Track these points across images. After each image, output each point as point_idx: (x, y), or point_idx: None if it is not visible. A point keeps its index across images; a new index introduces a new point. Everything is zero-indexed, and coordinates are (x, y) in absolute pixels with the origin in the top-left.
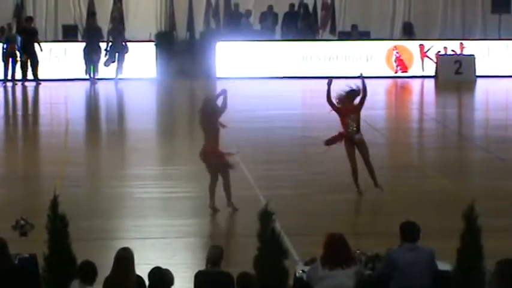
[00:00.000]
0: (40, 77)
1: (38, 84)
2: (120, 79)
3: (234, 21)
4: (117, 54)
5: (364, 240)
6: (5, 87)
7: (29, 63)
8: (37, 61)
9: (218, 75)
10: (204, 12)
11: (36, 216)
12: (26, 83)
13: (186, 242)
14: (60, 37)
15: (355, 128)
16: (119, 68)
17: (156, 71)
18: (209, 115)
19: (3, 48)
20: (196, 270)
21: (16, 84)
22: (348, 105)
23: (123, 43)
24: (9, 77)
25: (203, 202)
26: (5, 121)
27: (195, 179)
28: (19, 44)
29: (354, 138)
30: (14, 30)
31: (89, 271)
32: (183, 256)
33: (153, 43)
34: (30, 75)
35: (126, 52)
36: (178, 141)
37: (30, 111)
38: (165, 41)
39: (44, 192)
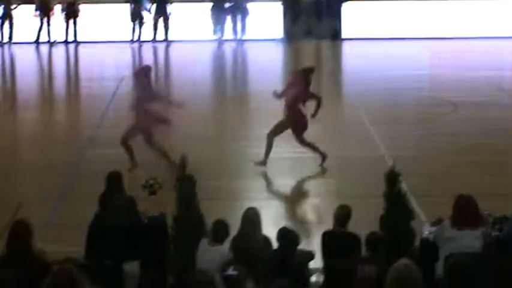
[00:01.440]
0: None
1: (168, 45)
2: (244, 40)
3: None
4: (239, 15)
5: (492, 202)
6: (132, 48)
7: (160, 24)
8: (168, 22)
9: (345, 36)
10: None
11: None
12: (155, 44)
13: (312, 201)
14: None
15: None
16: (243, 29)
17: (283, 31)
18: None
19: (130, 8)
20: (322, 230)
21: (141, 45)
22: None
23: (245, 4)
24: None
25: (331, 163)
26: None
27: (324, 140)
28: (145, 5)
29: None
30: None
31: (220, 230)
32: (312, 216)
33: (280, 3)
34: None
35: (247, 14)
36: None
37: (161, 72)
38: (292, 1)
39: (172, 153)
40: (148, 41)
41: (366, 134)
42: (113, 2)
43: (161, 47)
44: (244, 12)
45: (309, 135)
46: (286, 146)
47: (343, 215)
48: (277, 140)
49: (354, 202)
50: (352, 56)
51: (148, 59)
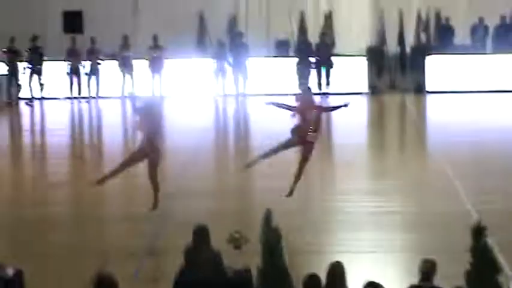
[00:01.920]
0: (248, 91)
1: (243, 98)
2: (329, 93)
3: (444, 35)
4: (324, 69)
5: None
6: (216, 101)
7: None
8: (247, 77)
9: (429, 89)
10: (414, 27)
11: (250, 229)
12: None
13: (397, 256)
14: (272, 52)
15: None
16: (327, 82)
17: (368, 85)
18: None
19: (214, 64)
20: (408, 285)
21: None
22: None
23: (329, 58)
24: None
25: (415, 217)
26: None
27: (407, 194)
28: (228, 60)
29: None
30: (225, 46)
31: (312, 285)
32: (394, 270)
33: (364, 57)
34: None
35: (332, 68)
36: (390, 155)
37: (241, 125)
38: (376, 55)
39: (256, 206)
40: (231, 95)
41: (451, 187)
42: (197, 57)
43: (241, 100)
44: (329, 66)
45: (392, 191)
46: (368, 201)
47: (427, 268)
48: (360, 195)
49: (438, 257)
50: (436, 109)
51: (230, 110)
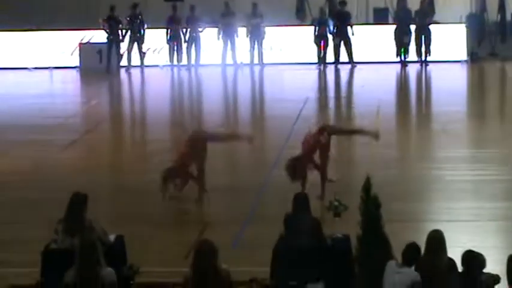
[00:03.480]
0: (342, 59)
1: (353, 67)
2: (428, 61)
3: None
4: (423, 36)
5: None
6: (319, 70)
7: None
8: (351, 44)
9: None
10: None
11: (350, 197)
12: (340, 65)
13: (497, 225)
14: (371, 20)
15: None
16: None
17: (467, 52)
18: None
19: (314, 30)
20: (508, 254)
21: (327, 66)
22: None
23: (428, 25)
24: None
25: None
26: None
27: (507, 162)
28: (331, 27)
29: None
30: (326, 14)
31: (411, 253)
32: (495, 239)
33: (464, 25)
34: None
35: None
36: (489, 124)
37: (344, 93)
38: (476, 23)
39: (357, 175)
40: (332, 63)
41: None
42: (294, 24)
43: (345, 69)
44: (428, 34)
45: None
46: (467, 169)
47: None
48: (459, 163)
49: None
50: None
51: (331, 80)
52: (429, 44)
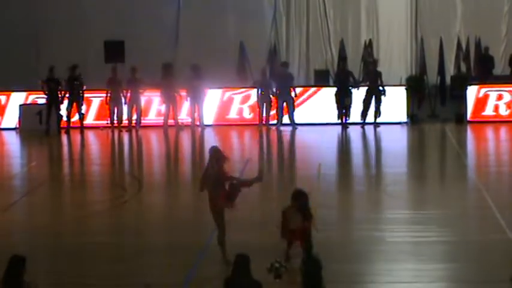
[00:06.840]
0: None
1: (294, 129)
2: (379, 123)
3: (484, 65)
4: (373, 97)
5: None
6: (261, 131)
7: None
8: (293, 105)
9: (469, 118)
10: (454, 56)
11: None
12: (282, 127)
13: (438, 286)
14: (312, 81)
15: None
16: (378, 112)
17: (407, 114)
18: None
19: (257, 93)
20: None
21: (270, 128)
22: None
23: (380, 87)
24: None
25: (455, 246)
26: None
27: (447, 224)
28: (273, 89)
29: None
30: (267, 75)
31: None
32: None
33: (404, 87)
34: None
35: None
36: (429, 185)
37: (286, 154)
38: (416, 85)
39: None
40: (275, 124)
41: (492, 218)
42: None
43: (287, 130)
44: (379, 95)
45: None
46: (407, 230)
47: None
48: (400, 224)
49: (477, 287)
50: (477, 139)
51: (274, 140)
52: (379, 105)
